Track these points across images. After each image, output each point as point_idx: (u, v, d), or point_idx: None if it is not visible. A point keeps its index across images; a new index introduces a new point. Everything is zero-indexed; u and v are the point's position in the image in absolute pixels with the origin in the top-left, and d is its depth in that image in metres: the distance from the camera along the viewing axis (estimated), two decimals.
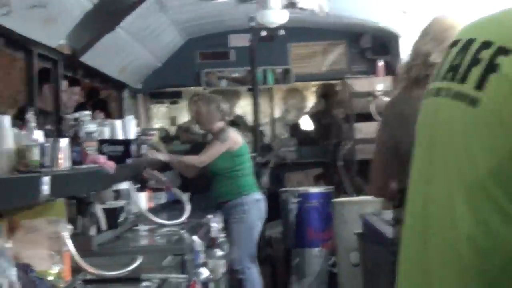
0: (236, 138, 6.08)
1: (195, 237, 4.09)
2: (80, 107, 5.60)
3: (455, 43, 1.55)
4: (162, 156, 5.95)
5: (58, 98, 5.02)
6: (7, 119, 3.13)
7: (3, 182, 2.76)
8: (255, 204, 6.14)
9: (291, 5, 6.30)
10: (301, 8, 6.30)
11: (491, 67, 1.41)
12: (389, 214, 5.08)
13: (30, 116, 3.25)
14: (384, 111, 3.55)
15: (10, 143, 3.08)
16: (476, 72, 1.43)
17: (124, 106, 7.52)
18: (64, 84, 5.40)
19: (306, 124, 9.16)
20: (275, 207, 7.47)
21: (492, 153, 1.35)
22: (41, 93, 5.04)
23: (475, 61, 1.45)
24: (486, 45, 1.45)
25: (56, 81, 5.00)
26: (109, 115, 6.51)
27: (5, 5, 3.26)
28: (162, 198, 6.30)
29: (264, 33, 7.08)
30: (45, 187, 3.00)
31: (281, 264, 7.44)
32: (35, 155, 3.15)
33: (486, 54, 1.43)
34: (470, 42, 1.50)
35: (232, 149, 5.99)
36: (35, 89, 4.45)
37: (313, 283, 7.26)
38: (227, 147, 6.00)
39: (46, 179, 2.98)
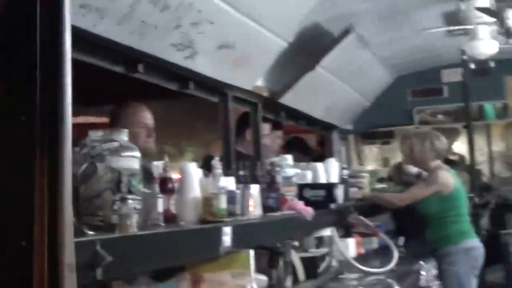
0: (447, 181, 5.62)
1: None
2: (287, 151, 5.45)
3: None
4: (361, 193, 5.76)
5: (258, 142, 4.90)
6: (193, 166, 3.01)
7: (185, 233, 2.61)
8: (466, 254, 5.65)
9: (505, 34, 5.86)
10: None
11: None
12: None
13: (216, 162, 3.10)
14: None
15: (197, 192, 2.94)
16: None
17: (334, 148, 7.35)
18: (266, 127, 5.31)
19: None
20: (496, 251, 7.21)
21: None
22: (243, 138, 4.97)
23: None
24: None
25: (255, 125, 4.89)
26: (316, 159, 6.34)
27: (188, 47, 3.16)
28: (374, 243, 6.04)
29: (473, 66, 6.67)
30: (226, 238, 2.82)
31: None
32: (222, 203, 2.99)
33: None
34: None
35: (442, 192, 5.53)
36: (231, 133, 4.33)
37: None
38: (434, 190, 5.58)
39: (227, 230, 2.80)
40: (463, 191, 5.87)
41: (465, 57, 6.60)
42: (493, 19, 5.29)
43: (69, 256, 1.18)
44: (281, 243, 3.75)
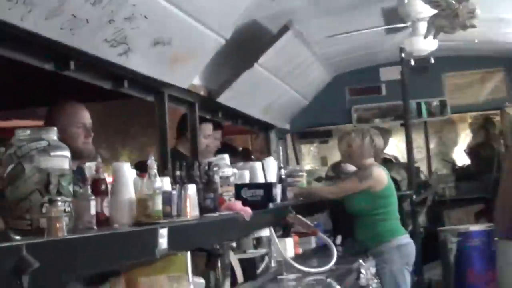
0: (380, 178, 5.66)
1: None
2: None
3: None
4: (293, 190, 5.77)
5: (195, 142, 4.84)
6: (127, 166, 2.93)
7: (119, 236, 2.53)
8: (398, 251, 5.72)
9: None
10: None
11: None
12: None
13: (151, 162, 3.01)
14: None
15: (131, 193, 2.86)
16: None
17: (272, 148, 7.34)
18: (209, 128, 5.28)
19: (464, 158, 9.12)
20: (434, 247, 7.43)
21: None
22: (185, 139, 4.95)
23: None
24: None
25: (192, 124, 4.83)
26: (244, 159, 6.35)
27: (122, 43, 3.06)
28: (312, 243, 6.06)
29: (413, 63, 6.76)
30: (162, 240, 2.74)
31: None
32: (157, 204, 2.91)
33: None
34: None
35: (373, 189, 5.57)
36: (166, 133, 4.26)
37: None
38: (367, 186, 5.61)
39: (163, 232, 2.73)
40: (394, 189, 5.93)
41: (403, 55, 6.68)
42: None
43: None
44: (219, 244, 3.69)
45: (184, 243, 3.09)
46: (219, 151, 5.15)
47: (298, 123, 8.17)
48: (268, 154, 7.09)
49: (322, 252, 5.89)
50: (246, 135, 8.72)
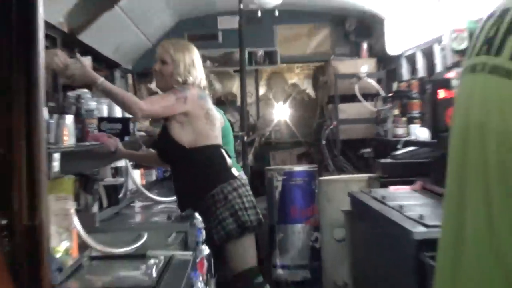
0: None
1: (197, 214, 4.10)
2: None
3: (490, 15, 1.36)
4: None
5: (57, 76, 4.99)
6: None
7: None
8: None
9: None
10: None
11: None
12: (377, 192, 5.25)
13: None
14: None
15: None
16: (511, 42, 1.23)
17: (117, 85, 7.48)
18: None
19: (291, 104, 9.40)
20: (261, 185, 7.76)
21: None
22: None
23: (510, 30, 1.26)
24: None
25: None
26: None
27: None
28: (153, 175, 6.36)
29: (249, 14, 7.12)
30: (55, 164, 3.01)
31: (265, 239, 7.54)
32: None
33: None
34: (505, 11, 1.31)
35: None
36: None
37: (296, 257, 7.48)
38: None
39: (56, 156, 2.99)
40: (230, 129, 6.14)
41: (242, 5, 6.89)
42: None
43: None
44: (90, 171, 3.98)
45: (69, 168, 3.35)
46: None
47: (141, 64, 8.19)
48: None
49: (162, 184, 6.33)
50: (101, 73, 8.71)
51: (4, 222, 1.22)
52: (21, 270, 1.22)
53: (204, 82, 4.41)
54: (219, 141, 4.42)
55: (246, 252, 4.33)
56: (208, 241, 4.05)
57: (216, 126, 4.41)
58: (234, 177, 4.34)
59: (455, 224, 1.34)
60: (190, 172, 4.30)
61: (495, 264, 1.21)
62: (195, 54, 4.41)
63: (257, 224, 4.28)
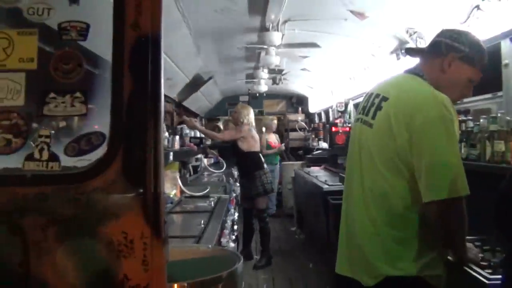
0: None
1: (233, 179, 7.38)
2: None
3: (369, 93, 2.39)
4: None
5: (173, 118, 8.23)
6: None
7: None
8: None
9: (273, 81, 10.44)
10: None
11: (379, 107, 2.19)
12: (305, 169, 9.48)
13: None
14: None
15: None
16: (372, 109, 2.22)
17: None
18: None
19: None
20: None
21: (385, 149, 2.16)
22: None
23: (372, 104, 2.24)
24: (377, 95, 2.25)
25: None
26: None
27: None
28: (212, 160, 10.21)
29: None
30: (171, 157, 5.18)
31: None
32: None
33: (377, 100, 2.22)
34: (372, 94, 2.32)
35: None
36: None
37: (273, 200, 12.08)
38: None
39: (171, 153, 5.30)
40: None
41: (249, 91, 12.31)
42: None
43: None
44: (186, 159, 7.03)
45: (177, 158, 5.80)
46: None
47: (208, 113, 14.05)
48: None
49: (216, 165, 9.83)
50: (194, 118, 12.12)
51: (141, 190, 1.72)
52: (150, 209, 1.73)
53: (253, 123, 7.98)
54: (258, 149, 7.92)
55: (264, 201, 8.05)
56: (246, 193, 7.69)
57: (258, 143, 7.92)
58: (264, 167, 7.89)
59: (347, 184, 2.41)
60: (246, 163, 7.84)
61: (364, 207, 2.33)
62: (249, 110, 7.95)
63: (271, 191, 8.04)
